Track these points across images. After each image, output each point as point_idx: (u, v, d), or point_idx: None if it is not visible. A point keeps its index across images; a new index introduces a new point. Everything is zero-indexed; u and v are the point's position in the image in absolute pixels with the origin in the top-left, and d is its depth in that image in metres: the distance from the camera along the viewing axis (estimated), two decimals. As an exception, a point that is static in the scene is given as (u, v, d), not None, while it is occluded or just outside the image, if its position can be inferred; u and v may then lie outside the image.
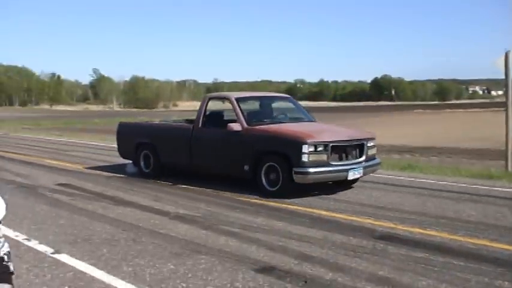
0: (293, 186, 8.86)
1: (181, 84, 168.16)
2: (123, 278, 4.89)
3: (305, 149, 8.56)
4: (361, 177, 9.49)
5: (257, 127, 9.58)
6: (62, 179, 10.98)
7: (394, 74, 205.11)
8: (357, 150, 9.29)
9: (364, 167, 9.31)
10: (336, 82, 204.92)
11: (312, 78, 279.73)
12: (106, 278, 4.89)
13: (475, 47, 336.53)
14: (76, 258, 5.54)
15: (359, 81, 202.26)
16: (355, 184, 9.99)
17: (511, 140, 11.96)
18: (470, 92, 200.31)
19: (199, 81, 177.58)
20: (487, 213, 7.55)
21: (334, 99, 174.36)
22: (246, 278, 4.89)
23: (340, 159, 9.02)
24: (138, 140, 11.65)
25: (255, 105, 11.14)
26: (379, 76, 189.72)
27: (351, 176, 9.04)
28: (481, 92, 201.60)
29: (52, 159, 14.86)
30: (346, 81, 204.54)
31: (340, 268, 5.15)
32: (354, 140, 9.32)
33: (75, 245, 6.04)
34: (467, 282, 4.71)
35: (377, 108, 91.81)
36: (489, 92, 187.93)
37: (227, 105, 10.45)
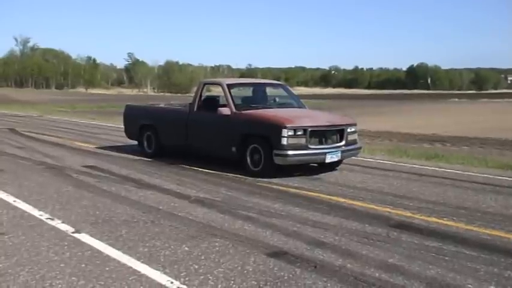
0: (274, 167, 9.44)
1: (215, 69, 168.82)
2: (138, 258, 5.04)
3: (284, 132, 9.17)
4: (339, 160, 9.99)
5: (244, 112, 10.24)
6: (90, 161, 11.25)
7: (431, 62, 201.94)
8: (337, 135, 9.88)
9: (343, 151, 9.84)
10: (371, 69, 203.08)
11: (347, 65, 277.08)
12: (121, 258, 5.04)
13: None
14: (95, 238, 5.71)
15: (394, 68, 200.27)
16: (377, 173, 10.03)
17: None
18: (509, 81, 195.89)
19: (233, 67, 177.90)
20: (507, 205, 7.49)
21: (368, 87, 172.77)
22: (257, 261, 4.99)
23: (320, 143, 9.64)
24: (142, 122, 12.46)
25: (248, 92, 11.92)
26: (415, 64, 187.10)
27: (329, 159, 9.60)
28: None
29: (82, 142, 15.20)
30: (381, 69, 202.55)
31: (351, 255, 5.21)
32: (334, 125, 9.93)
33: (95, 226, 6.22)
34: (476, 272, 4.72)
35: (412, 97, 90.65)
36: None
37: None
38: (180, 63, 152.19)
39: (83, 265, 4.84)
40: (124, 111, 13.75)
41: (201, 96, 11.23)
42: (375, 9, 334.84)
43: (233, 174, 9.68)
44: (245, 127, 9.94)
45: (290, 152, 9.19)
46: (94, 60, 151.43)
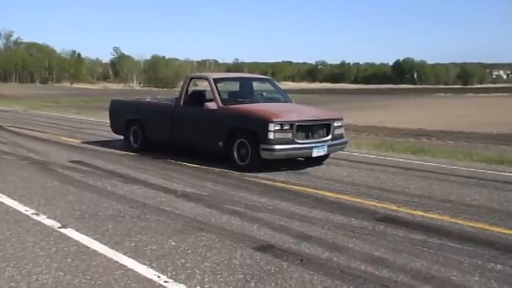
0: (261, 161, 9.44)
1: (202, 64, 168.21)
2: (124, 253, 5.03)
3: (271, 127, 9.18)
4: (326, 154, 10.04)
5: (231, 106, 10.26)
6: (75, 156, 11.19)
7: (417, 57, 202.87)
8: (324, 129, 9.91)
9: (330, 145, 9.89)
10: (357, 64, 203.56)
11: (334, 60, 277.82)
12: (108, 253, 5.04)
13: (501, 29, 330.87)
14: (81, 233, 5.69)
15: (381, 63, 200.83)
16: (363, 167, 10.09)
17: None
18: (494, 76, 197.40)
19: (220, 62, 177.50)
20: (491, 198, 7.57)
21: (355, 82, 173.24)
22: (243, 255, 5.00)
23: (307, 137, 9.65)
24: (128, 116, 12.40)
25: (234, 86, 11.85)
26: (401, 59, 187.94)
27: (315, 153, 9.63)
28: (505, 76, 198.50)
29: (67, 137, 15.11)
30: (367, 64, 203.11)
31: (337, 248, 5.24)
32: (320, 120, 9.99)
33: (81, 221, 6.20)
34: (460, 264, 4.77)
35: (398, 91, 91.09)
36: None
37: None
38: (167, 57, 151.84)
39: (69, 260, 4.82)
40: (110, 106, 13.69)
41: (187, 90, 11.19)
42: (362, 4, 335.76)
43: (219, 169, 9.68)
44: (232, 122, 9.92)
45: (277, 147, 9.22)
46: (79, 54, 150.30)
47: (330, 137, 9.91)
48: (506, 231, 5.82)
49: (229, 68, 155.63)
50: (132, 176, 9.11)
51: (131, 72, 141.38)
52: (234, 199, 7.38)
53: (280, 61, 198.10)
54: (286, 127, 9.30)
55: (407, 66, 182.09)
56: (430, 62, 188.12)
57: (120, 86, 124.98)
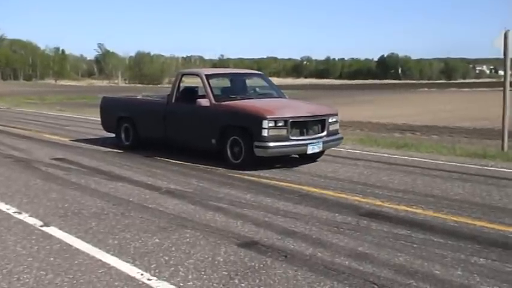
0: (255, 159, 9.26)
1: (187, 60, 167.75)
2: (107, 251, 5.00)
3: (265, 124, 9.00)
4: (321, 151, 9.91)
5: (224, 103, 10.04)
6: (59, 154, 11.09)
7: (401, 53, 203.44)
8: (319, 125, 9.71)
9: (325, 142, 9.72)
10: (342, 60, 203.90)
11: (319, 55, 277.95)
12: (91, 251, 5.00)
13: (483, 25, 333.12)
14: (64, 231, 5.65)
15: (366, 59, 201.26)
16: (347, 162, 10.12)
17: (507, 120, 11.97)
18: (477, 71, 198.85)
19: (205, 58, 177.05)
20: (474, 192, 7.62)
21: (340, 77, 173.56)
22: (228, 252, 4.99)
23: (301, 134, 9.46)
24: (119, 114, 12.19)
25: (227, 82, 11.65)
26: (385, 54, 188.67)
27: (310, 150, 9.45)
28: (488, 72, 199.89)
29: (51, 134, 14.97)
30: (352, 59, 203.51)
31: (321, 244, 5.25)
32: (315, 116, 9.75)
33: (64, 219, 6.15)
34: (443, 259, 4.80)
35: (383, 86, 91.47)
36: (496, 72, 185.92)
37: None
38: (152, 54, 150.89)
39: (51, 259, 4.78)
40: (100, 103, 13.41)
41: (179, 87, 10.98)
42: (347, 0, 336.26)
43: (204, 165, 9.65)
44: (225, 118, 9.72)
45: (271, 144, 9.05)
46: (63, 51, 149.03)
47: (325, 133, 9.74)
48: (489, 225, 5.87)
49: (214, 64, 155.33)
50: (116, 173, 9.05)
51: (116, 68, 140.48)
52: (219, 195, 7.36)
53: (265, 57, 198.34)
54: (280, 124, 9.13)
55: (392, 61, 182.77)
56: (414, 57, 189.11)
57: (105, 83, 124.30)
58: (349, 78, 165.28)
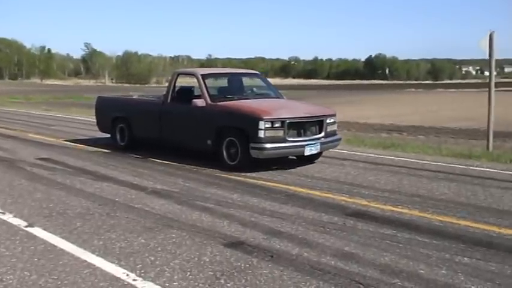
0: (251, 161, 9.12)
1: (175, 60, 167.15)
2: (92, 252, 4.97)
3: (261, 125, 8.83)
4: (319, 153, 9.77)
5: (220, 103, 9.86)
6: (44, 154, 11.00)
7: (389, 53, 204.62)
8: (316, 126, 9.56)
9: (323, 143, 9.56)
10: (330, 60, 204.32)
11: (307, 55, 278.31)
12: (75, 251, 4.96)
13: (470, 26, 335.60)
14: (49, 231, 5.61)
15: (353, 59, 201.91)
16: (334, 162, 10.13)
17: (492, 120, 12.07)
18: (463, 72, 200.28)
19: (193, 57, 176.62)
20: (460, 192, 7.67)
21: (328, 77, 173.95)
22: (214, 252, 4.98)
23: (299, 135, 9.30)
24: (115, 114, 12.04)
25: (223, 82, 11.45)
26: (373, 55, 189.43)
27: (308, 151, 9.29)
28: (474, 72, 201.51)
29: (36, 134, 14.85)
30: (340, 60, 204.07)
31: (307, 243, 5.25)
32: (313, 116, 9.60)
33: (49, 219, 6.10)
34: (428, 258, 4.82)
35: (370, 87, 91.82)
36: (482, 72, 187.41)
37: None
38: (139, 53, 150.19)
39: (36, 259, 4.74)
40: (95, 103, 13.17)
41: (174, 87, 10.80)
42: (335, 0, 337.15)
43: (190, 166, 9.61)
44: (221, 119, 9.56)
45: (267, 145, 8.86)
46: (49, 50, 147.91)
47: (323, 134, 9.58)
48: (474, 225, 5.90)
49: (202, 63, 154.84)
50: (102, 173, 9.00)
51: (103, 68, 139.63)
52: (205, 195, 7.34)
53: (253, 57, 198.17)
54: (277, 125, 8.96)
55: (379, 62, 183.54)
56: (401, 58, 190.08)
57: (91, 82, 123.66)
58: (336, 78, 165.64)
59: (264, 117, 8.89)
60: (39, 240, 5.31)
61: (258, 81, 12.06)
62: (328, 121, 9.71)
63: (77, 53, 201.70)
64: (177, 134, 10.49)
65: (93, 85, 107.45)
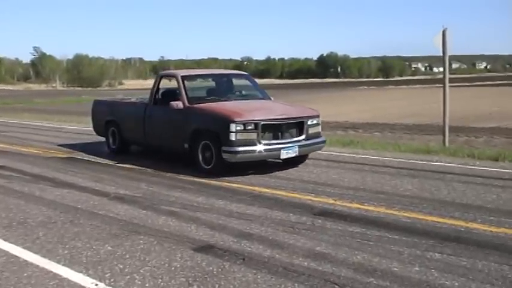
0: (226, 165, 8.84)
1: (127, 62, 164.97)
2: (58, 261, 4.80)
3: (233, 127, 8.52)
4: (297, 156, 9.25)
5: (196, 105, 9.56)
6: (-2, 161, 10.65)
7: (340, 52, 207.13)
8: (296, 128, 9.20)
9: (302, 146, 9.14)
10: (282, 59, 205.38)
11: (259, 55, 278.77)
12: (40, 262, 4.80)
13: (418, 25, 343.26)
14: (10, 242, 5.42)
15: (305, 58, 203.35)
16: (297, 161, 10.07)
17: (447, 116, 12.29)
18: (413, 68, 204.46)
19: (145, 59, 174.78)
20: (423, 188, 7.76)
21: (281, 77, 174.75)
22: (184, 257, 4.88)
23: (275, 137, 8.93)
24: (107, 117, 11.91)
25: (211, 84, 11.27)
26: (325, 53, 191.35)
27: (284, 155, 8.94)
28: (423, 69, 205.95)
29: (-12, 141, 14.37)
30: (293, 59, 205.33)
31: (278, 245, 5.21)
32: (290, 118, 9.17)
33: (9, 229, 5.89)
34: (400, 255, 4.84)
35: (323, 85, 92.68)
36: (431, 69, 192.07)
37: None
38: (90, 56, 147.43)
39: (-2, 272, 4.55)
40: (92, 107, 12.97)
41: (158, 89, 10.59)
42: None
43: (152, 169, 9.45)
44: (196, 122, 9.29)
45: (239, 148, 8.53)
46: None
47: (303, 136, 9.17)
48: (440, 220, 5.96)
49: (154, 65, 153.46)
50: (61, 179, 8.75)
51: (53, 72, 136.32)
52: (170, 199, 7.22)
53: (206, 58, 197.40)
54: (250, 127, 8.60)
55: (331, 60, 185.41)
56: (352, 56, 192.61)
57: (42, 87, 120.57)
58: (290, 77, 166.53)
59: (236, 119, 8.57)
60: (1, 251, 5.11)
61: (244, 82, 11.64)
62: (309, 123, 9.32)
63: (26, 57, 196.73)
64: (157, 137, 10.35)
65: (44, 89, 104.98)
